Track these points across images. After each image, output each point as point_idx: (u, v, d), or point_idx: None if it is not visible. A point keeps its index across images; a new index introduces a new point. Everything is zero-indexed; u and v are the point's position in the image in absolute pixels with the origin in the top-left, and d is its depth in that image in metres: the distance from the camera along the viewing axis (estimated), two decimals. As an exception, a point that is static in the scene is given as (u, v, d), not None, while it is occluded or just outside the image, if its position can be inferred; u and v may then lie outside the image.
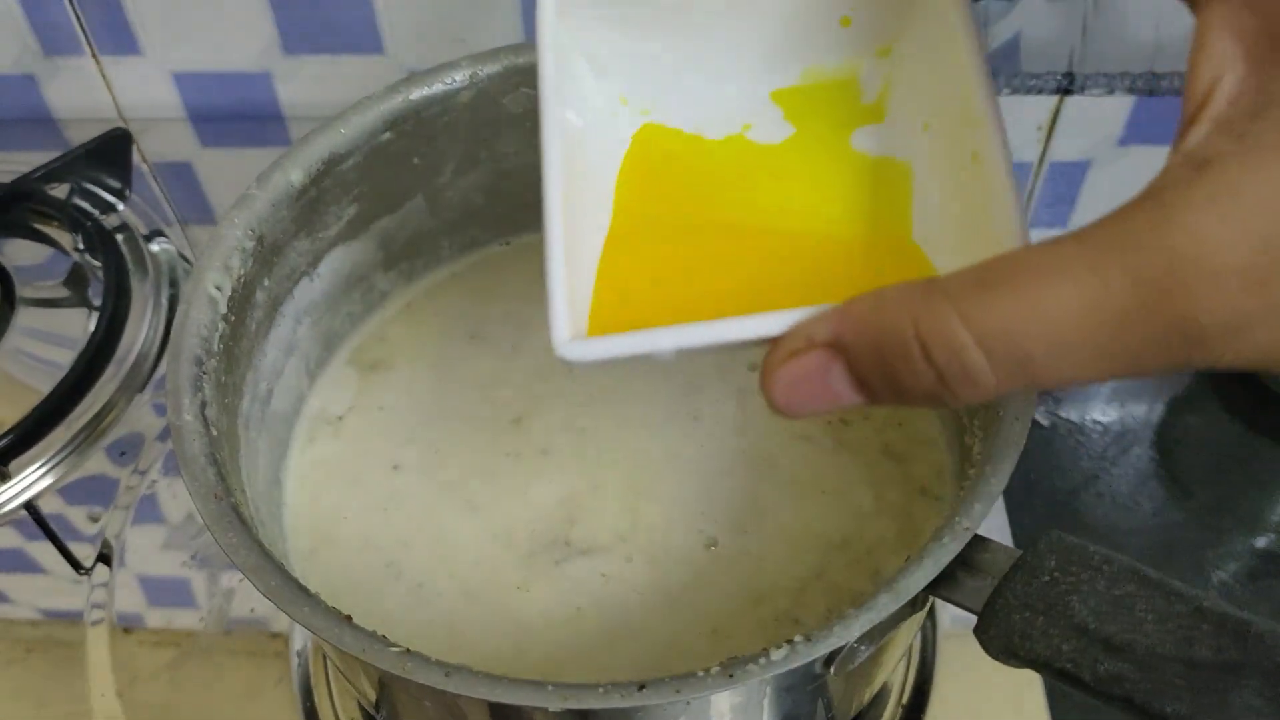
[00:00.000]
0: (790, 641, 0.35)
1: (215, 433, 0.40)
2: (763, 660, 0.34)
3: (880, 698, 0.53)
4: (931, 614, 0.57)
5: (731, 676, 0.34)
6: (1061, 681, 0.34)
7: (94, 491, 0.63)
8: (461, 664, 0.34)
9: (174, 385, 0.40)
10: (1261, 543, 0.64)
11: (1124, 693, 0.32)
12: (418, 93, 0.50)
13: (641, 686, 0.34)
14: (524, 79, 0.51)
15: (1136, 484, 0.67)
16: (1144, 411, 0.70)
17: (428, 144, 0.51)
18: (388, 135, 0.49)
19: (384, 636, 0.35)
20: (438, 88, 0.50)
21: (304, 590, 0.36)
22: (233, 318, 0.44)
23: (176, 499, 0.62)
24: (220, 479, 0.39)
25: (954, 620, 0.57)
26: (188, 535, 0.61)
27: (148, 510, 0.62)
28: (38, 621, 0.59)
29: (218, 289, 0.43)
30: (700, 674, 0.34)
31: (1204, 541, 0.64)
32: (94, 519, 0.62)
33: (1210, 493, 0.66)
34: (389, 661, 0.34)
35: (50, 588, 0.60)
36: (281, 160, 0.47)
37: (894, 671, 0.55)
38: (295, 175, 0.47)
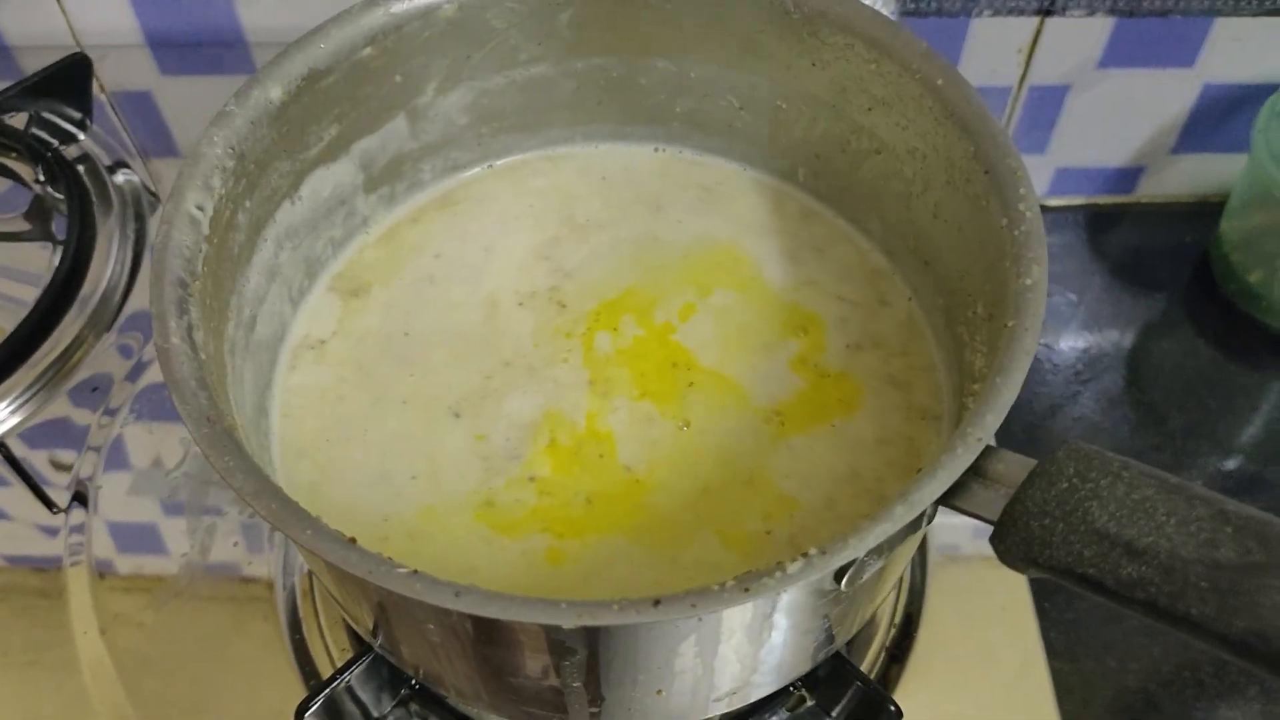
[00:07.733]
0: (806, 555, 0.34)
1: (204, 356, 0.39)
2: (779, 574, 0.34)
3: (873, 621, 0.54)
4: (922, 544, 0.57)
5: (748, 590, 0.33)
6: (1083, 588, 0.34)
7: (59, 435, 0.61)
8: (470, 584, 0.34)
9: (159, 308, 0.39)
10: (1230, 464, 0.65)
11: (1147, 596, 0.32)
12: (399, 6, 0.48)
13: (657, 602, 0.33)
14: (508, -7, 0.50)
15: (1109, 408, 0.67)
16: (1117, 337, 0.70)
17: (409, 61, 0.50)
18: (368, 50, 0.48)
19: (390, 558, 0.34)
20: (420, 1, 0.48)
21: (306, 513, 0.35)
22: (215, 239, 0.42)
23: (147, 442, 0.61)
24: (212, 403, 0.37)
25: (941, 548, 0.57)
26: (156, 481, 0.60)
27: (115, 457, 0.61)
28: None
29: (199, 209, 0.42)
30: (716, 588, 0.33)
31: (1175, 464, 0.65)
32: (58, 465, 0.61)
33: (1182, 416, 0.67)
34: (397, 582, 0.33)
35: (9, 534, 0.59)
36: (260, 75, 0.45)
37: (888, 596, 0.55)
38: (274, 92, 0.45)
